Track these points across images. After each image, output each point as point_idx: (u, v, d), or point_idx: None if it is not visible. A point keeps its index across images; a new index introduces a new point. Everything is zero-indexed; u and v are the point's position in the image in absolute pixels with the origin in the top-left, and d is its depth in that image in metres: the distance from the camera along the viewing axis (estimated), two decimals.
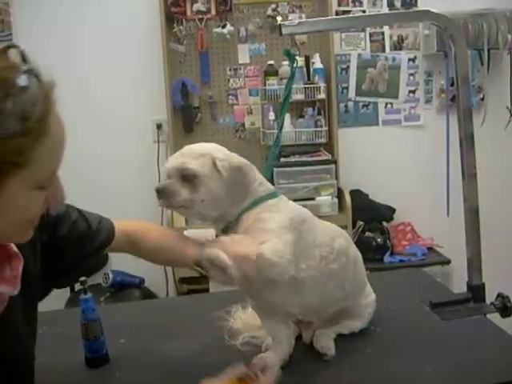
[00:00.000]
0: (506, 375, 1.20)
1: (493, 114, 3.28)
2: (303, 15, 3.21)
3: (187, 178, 1.18)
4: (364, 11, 3.28)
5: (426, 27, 3.22)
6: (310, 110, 3.21)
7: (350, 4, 3.27)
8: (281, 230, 1.15)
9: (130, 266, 2.96)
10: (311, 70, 3.14)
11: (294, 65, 1.47)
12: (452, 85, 3.31)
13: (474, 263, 1.56)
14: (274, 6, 3.17)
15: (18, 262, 0.98)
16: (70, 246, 1.16)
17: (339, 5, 3.23)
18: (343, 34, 3.30)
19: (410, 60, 3.36)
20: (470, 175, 1.52)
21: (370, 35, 3.32)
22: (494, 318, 1.52)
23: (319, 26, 1.50)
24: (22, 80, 0.77)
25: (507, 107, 3.34)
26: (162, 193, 1.19)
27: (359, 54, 3.34)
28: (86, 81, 3.14)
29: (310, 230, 1.23)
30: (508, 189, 3.42)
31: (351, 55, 3.33)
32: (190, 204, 1.19)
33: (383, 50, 3.35)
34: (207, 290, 2.95)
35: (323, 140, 3.21)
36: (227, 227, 1.21)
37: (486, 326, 1.44)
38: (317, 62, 3.14)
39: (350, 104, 3.39)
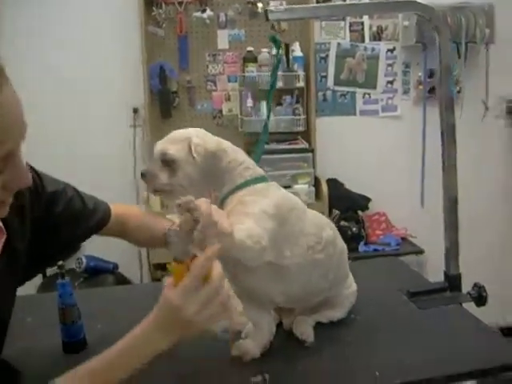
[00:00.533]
0: (483, 363, 1.22)
1: (469, 106, 3.32)
2: (284, 3, 3.19)
3: (167, 162, 1.19)
4: (344, 0, 3.28)
5: (406, 18, 3.23)
6: (288, 98, 3.20)
7: None
8: (263, 215, 1.14)
9: (103, 251, 2.92)
10: (291, 58, 3.13)
11: (280, 51, 1.45)
12: (430, 77, 3.35)
13: (452, 253, 1.58)
14: None
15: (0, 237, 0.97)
16: (65, 224, 1.16)
17: None
18: (323, 23, 3.29)
19: (388, 51, 3.37)
20: (450, 165, 1.54)
21: (350, 25, 3.32)
22: (469, 307, 1.55)
23: (306, 13, 1.49)
24: None
25: (483, 101, 3.39)
26: (145, 176, 1.20)
27: (339, 44, 3.34)
28: (61, 62, 3.07)
29: (298, 217, 1.22)
30: (483, 181, 3.47)
31: (331, 44, 3.33)
32: (169, 188, 1.19)
33: (362, 40, 3.35)
34: None
35: (301, 128, 3.22)
36: None
37: (463, 315, 1.46)
38: (296, 51, 3.13)
39: (329, 93, 3.39)
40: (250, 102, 3.18)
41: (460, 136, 3.34)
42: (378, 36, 3.35)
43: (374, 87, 3.41)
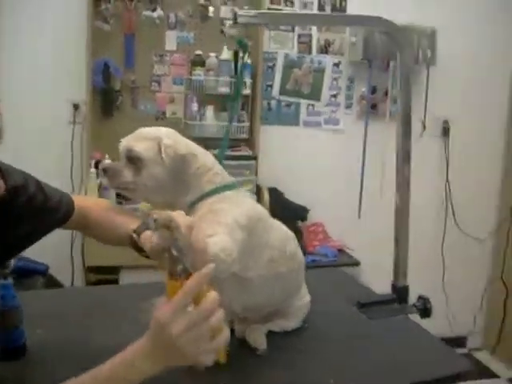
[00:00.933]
0: (431, 373, 1.25)
1: None
2: (236, 8, 3.18)
3: (132, 160, 1.15)
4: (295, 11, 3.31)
5: (353, 34, 3.30)
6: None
7: (282, 3, 3.28)
8: (235, 225, 1.11)
9: (33, 251, 2.77)
10: (239, 64, 3.12)
11: (246, 56, 1.43)
12: (372, 93, 3.44)
13: (401, 265, 1.61)
14: None
15: None
16: (27, 217, 1.10)
17: (271, 2, 3.23)
18: (272, 32, 3.30)
19: (334, 65, 3.43)
20: (404, 183, 1.57)
21: (299, 36, 3.36)
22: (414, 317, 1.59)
23: (275, 20, 1.47)
24: None
25: (421, 120, 3.50)
26: (106, 172, 1.15)
27: (286, 54, 3.36)
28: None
29: (264, 229, 1.20)
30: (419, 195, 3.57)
31: (278, 54, 3.35)
32: (132, 187, 1.16)
33: (310, 52, 3.39)
34: (117, 282, 2.86)
35: (245, 135, 3.21)
36: None
37: (411, 326, 1.50)
38: (245, 58, 3.11)
39: (273, 102, 3.40)
40: (195, 106, 3.14)
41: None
42: (325, 49, 3.40)
43: (319, 99, 3.46)
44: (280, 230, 1.28)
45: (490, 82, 3.63)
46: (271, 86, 3.38)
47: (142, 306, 1.44)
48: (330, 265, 3.10)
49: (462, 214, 3.69)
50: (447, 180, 3.66)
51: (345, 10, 3.31)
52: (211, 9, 3.07)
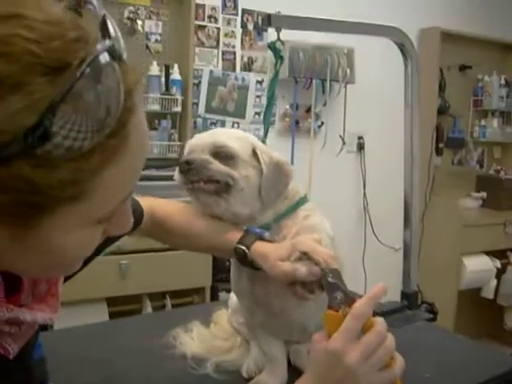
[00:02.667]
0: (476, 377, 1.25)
1: (330, 140, 3.53)
2: (160, 23, 3.06)
3: (221, 156, 1.00)
4: (218, 28, 3.27)
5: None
6: (164, 123, 3.04)
7: (206, 20, 3.23)
8: (332, 242, 1.04)
9: None
10: (170, 80, 3.00)
11: (279, 62, 1.36)
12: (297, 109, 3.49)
13: (412, 272, 1.62)
14: (132, 8, 2.96)
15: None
16: None
17: (196, 19, 3.15)
18: (197, 49, 3.23)
19: (257, 82, 3.44)
20: None
21: (223, 53, 3.32)
22: None
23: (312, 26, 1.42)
24: (104, 59, 0.49)
25: (340, 136, 3.62)
26: (191, 163, 0.99)
27: (211, 71, 3.30)
28: None
29: None
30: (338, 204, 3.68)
31: (203, 71, 3.28)
32: (224, 180, 1.00)
33: (234, 70, 3.37)
34: None
35: (176, 155, 3.08)
36: None
37: (434, 331, 1.50)
38: (175, 73, 3.01)
39: (199, 120, 3.31)
40: None
41: (321, 166, 3.54)
42: (248, 67, 3.40)
43: (243, 117, 3.43)
44: None
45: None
46: (197, 103, 3.29)
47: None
48: None
49: (378, 226, 3.85)
50: (364, 195, 3.81)
51: (266, 30, 3.33)
52: (139, 22, 2.92)
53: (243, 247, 0.99)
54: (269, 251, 0.97)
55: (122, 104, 0.50)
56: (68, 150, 0.47)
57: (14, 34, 0.46)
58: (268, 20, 1.28)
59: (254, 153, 1.03)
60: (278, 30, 1.30)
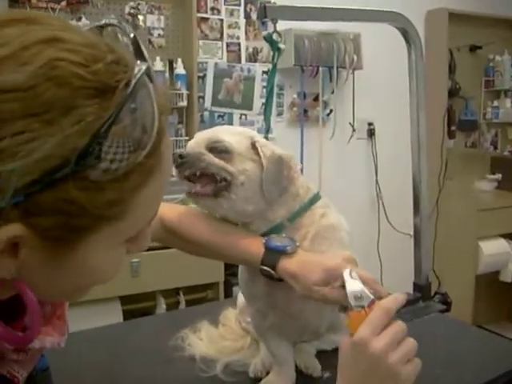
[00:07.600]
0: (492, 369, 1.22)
1: (339, 128, 3.48)
2: (162, 17, 3.03)
3: (216, 150, 0.98)
4: (222, 20, 3.23)
5: (282, 42, 3.27)
6: (170, 118, 3.02)
7: (209, 12, 3.19)
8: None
9: None
10: (174, 75, 2.97)
11: (277, 55, 1.32)
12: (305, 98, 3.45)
13: (424, 263, 1.58)
14: (132, 3, 2.93)
15: None
16: None
17: (198, 11, 3.12)
18: (201, 42, 3.19)
19: (263, 72, 3.39)
20: None
21: (227, 45, 3.28)
22: None
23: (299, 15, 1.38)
24: (145, 82, 0.50)
25: (350, 123, 3.57)
26: (185, 157, 0.97)
27: (216, 63, 3.27)
28: None
29: None
30: (349, 192, 3.64)
31: (208, 64, 3.24)
32: (222, 175, 0.98)
33: (239, 61, 3.33)
34: None
35: (183, 150, 3.05)
36: (272, 232, 1.01)
37: (451, 323, 1.47)
38: (179, 68, 2.98)
39: (206, 114, 3.28)
40: None
41: (332, 155, 3.50)
42: (253, 57, 3.36)
43: (251, 108, 3.39)
44: None
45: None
46: (203, 97, 3.26)
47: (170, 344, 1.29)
48: None
49: (392, 212, 3.80)
50: (377, 182, 3.76)
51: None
52: (141, 17, 2.89)
53: (269, 269, 0.96)
54: (296, 271, 0.93)
55: (157, 125, 0.51)
56: (115, 171, 0.48)
57: (59, 58, 0.47)
58: (263, 11, 1.24)
59: (254, 147, 1.00)
60: (275, 22, 1.26)
